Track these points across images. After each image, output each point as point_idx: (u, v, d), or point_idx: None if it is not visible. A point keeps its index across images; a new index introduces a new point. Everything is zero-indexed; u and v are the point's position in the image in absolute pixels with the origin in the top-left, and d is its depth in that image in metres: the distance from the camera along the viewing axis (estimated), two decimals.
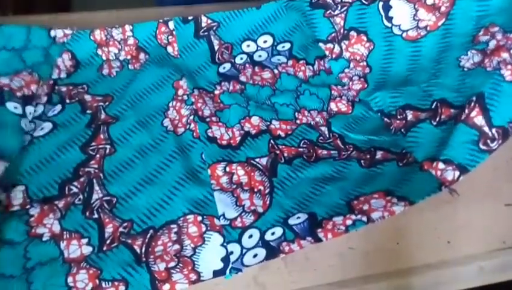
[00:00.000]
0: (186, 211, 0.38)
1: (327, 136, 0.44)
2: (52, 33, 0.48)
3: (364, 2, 0.49)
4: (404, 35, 0.48)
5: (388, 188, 0.38)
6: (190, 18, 0.51)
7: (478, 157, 0.38)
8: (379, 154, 0.42)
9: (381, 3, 0.48)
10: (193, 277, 0.35)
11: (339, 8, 0.50)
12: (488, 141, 0.38)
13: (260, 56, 0.51)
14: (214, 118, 0.45)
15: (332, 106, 0.47)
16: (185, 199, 0.39)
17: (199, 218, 0.38)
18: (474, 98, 0.40)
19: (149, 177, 0.41)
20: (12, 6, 0.87)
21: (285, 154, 0.42)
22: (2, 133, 0.41)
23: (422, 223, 0.39)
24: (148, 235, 0.37)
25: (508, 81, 0.40)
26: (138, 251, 0.36)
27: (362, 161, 0.42)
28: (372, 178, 0.40)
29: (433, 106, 0.43)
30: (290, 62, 0.50)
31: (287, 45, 0.51)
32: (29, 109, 0.44)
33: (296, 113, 0.46)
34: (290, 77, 0.49)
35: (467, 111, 0.39)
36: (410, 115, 0.43)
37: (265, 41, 0.51)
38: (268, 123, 0.45)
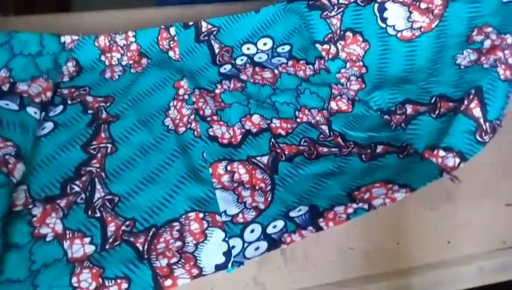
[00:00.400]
0: (188, 209, 0.38)
1: (328, 134, 0.45)
2: (62, 39, 0.48)
3: (360, 3, 0.50)
4: (398, 35, 0.48)
5: (389, 178, 0.38)
6: (191, 23, 0.51)
7: (475, 148, 0.38)
8: (380, 148, 0.42)
9: (376, 5, 0.49)
10: (195, 271, 0.35)
11: (335, 9, 0.50)
12: (483, 134, 0.39)
13: (260, 58, 0.51)
14: (215, 117, 0.45)
15: (333, 104, 0.47)
16: (187, 197, 0.39)
17: (201, 215, 0.38)
18: (473, 91, 0.40)
19: (150, 176, 0.41)
20: (13, 7, 0.87)
21: (286, 153, 0.43)
22: (25, 137, 0.41)
23: (422, 222, 0.39)
24: (151, 233, 0.37)
25: (501, 80, 0.40)
26: (140, 248, 0.36)
27: (363, 156, 0.42)
28: (372, 170, 0.40)
29: (432, 101, 0.43)
30: (290, 62, 0.50)
31: (287, 47, 0.52)
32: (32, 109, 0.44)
33: (297, 112, 0.46)
34: (291, 76, 0.49)
35: (466, 102, 0.40)
36: (409, 109, 0.44)
37: (265, 44, 0.52)
38: (269, 122, 0.45)
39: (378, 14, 0.48)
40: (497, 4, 0.45)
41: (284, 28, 0.52)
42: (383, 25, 0.48)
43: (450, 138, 0.39)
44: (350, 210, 0.36)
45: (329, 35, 0.51)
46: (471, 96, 0.40)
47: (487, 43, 0.43)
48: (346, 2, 0.50)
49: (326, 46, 0.51)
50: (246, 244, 0.36)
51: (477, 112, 0.39)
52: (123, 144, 0.43)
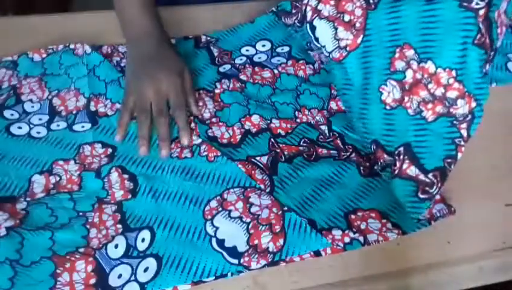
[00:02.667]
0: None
1: (327, 135, 0.44)
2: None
3: (297, 24, 0.50)
4: (331, 56, 0.46)
5: (384, 210, 0.39)
6: (190, 37, 0.52)
7: (420, 208, 0.37)
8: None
9: (308, 25, 0.46)
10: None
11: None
12: (427, 188, 0.37)
13: (260, 58, 0.51)
14: (214, 119, 0.45)
15: (333, 104, 0.47)
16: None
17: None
18: (401, 149, 0.39)
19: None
20: (13, 6, 0.87)
21: (286, 153, 0.43)
22: None
23: None
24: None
25: (431, 121, 0.38)
26: None
27: (362, 168, 0.42)
28: (370, 189, 0.41)
29: (372, 149, 0.42)
30: (290, 62, 0.51)
31: (286, 48, 0.52)
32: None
33: (296, 112, 0.46)
34: (290, 76, 0.49)
35: (398, 164, 0.39)
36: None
37: (263, 45, 0.52)
38: (269, 122, 0.45)
39: (312, 35, 0.46)
40: (416, 14, 0.40)
41: (281, 32, 0.53)
42: (318, 45, 0.47)
43: (395, 214, 0.39)
44: (347, 239, 0.37)
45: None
46: (401, 157, 0.39)
47: (409, 75, 0.39)
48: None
49: (315, 53, 0.51)
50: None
51: (412, 170, 0.38)
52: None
